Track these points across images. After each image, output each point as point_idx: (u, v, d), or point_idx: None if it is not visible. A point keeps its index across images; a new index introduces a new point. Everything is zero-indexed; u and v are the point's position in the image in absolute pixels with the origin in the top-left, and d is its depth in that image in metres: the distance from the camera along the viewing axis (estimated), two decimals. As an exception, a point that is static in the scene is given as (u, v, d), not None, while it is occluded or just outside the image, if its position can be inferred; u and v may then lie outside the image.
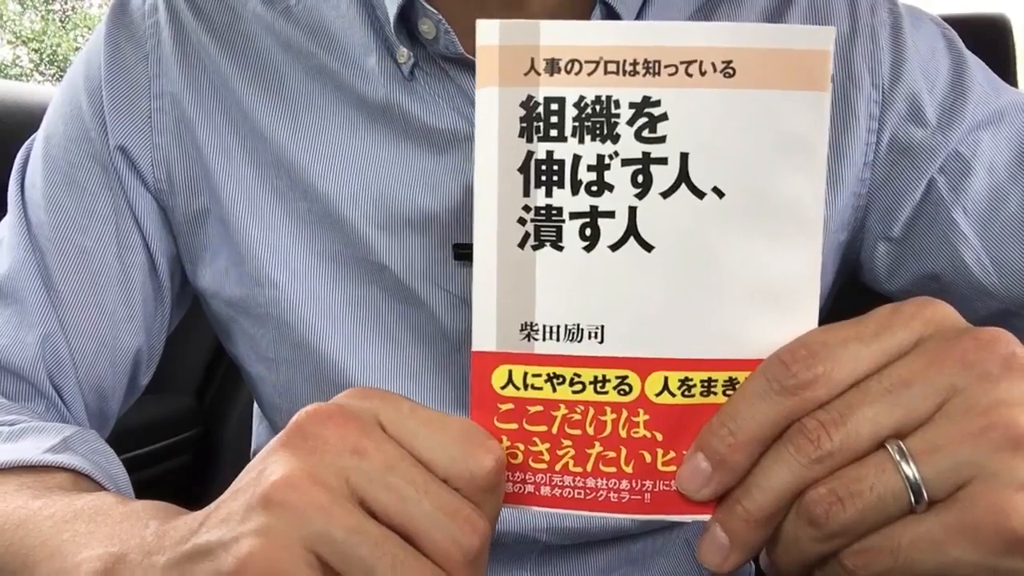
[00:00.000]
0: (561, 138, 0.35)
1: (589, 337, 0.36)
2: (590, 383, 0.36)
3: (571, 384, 0.36)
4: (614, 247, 0.35)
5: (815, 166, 0.35)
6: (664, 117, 0.35)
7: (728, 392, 0.35)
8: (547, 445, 0.37)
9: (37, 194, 0.60)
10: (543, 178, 0.35)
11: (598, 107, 0.35)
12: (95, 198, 0.59)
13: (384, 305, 0.59)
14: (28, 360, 0.57)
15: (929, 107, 0.59)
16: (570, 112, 0.35)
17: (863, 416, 0.33)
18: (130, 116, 0.59)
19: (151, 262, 0.61)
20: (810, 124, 0.34)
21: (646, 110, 0.35)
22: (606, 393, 0.36)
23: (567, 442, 0.37)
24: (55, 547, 0.40)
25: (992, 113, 0.60)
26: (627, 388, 0.36)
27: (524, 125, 0.35)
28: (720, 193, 0.35)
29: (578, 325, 0.36)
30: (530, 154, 0.35)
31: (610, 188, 0.35)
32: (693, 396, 0.36)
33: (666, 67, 0.34)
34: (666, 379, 0.36)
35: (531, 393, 0.36)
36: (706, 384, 0.36)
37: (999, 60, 1.01)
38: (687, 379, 0.36)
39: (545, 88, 0.35)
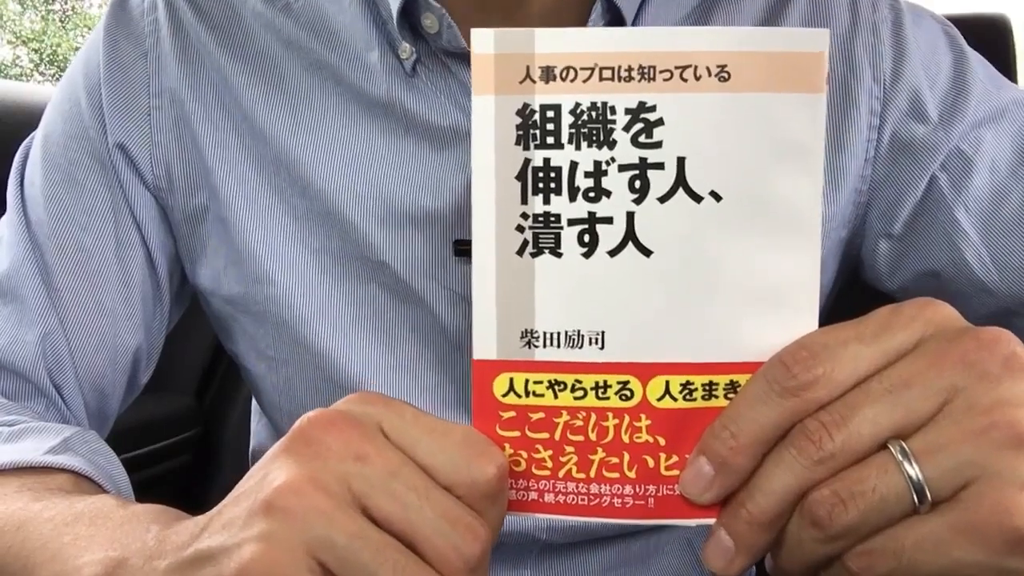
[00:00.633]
0: (558, 145, 0.35)
1: (590, 343, 0.36)
2: (592, 389, 0.36)
3: (573, 390, 0.36)
4: (613, 253, 0.35)
5: (812, 168, 0.35)
6: (660, 122, 0.35)
7: (730, 395, 0.35)
8: (550, 452, 0.37)
9: (36, 192, 0.60)
10: (540, 185, 0.35)
11: (594, 113, 0.35)
12: (94, 196, 0.59)
13: (383, 303, 0.59)
14: (28, 358, 0.57)
15: (931, 103, 0.59)
16: (566, 119, 0.35)
17: (864, 417, 0.33)
18: (129, 114, 0.59)
19: (150, 260, 0.61)
20: (806, 126, 0.34)
21: (642, 116, 0.35)
22: (608, 399, 0.36)
23: (570, 449, 0.37)
24: (56, 550, 0.40)
25: (994, 110, 0.60)
26: (629, 393, 0.36)
27: (520, 133, 0.35)
28: (717, 197, 0.35)
29: (578, 331, 0.36)
30: (527, 162, 0.35)
31: (607, 194, 0.35)
32: (695, 400, 0.36)
33: (661, 72, 0.34)
34: (667, 383, 0.36)
35: (533, 400, 0.36)
36: (707, 388, 0.36)
37: (999, 60, 1.00)
38: (688, 383, 0.36)
39: (541, 96, 0.35)
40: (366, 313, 0.59)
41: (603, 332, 0.36)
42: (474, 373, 0.37)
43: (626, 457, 0.36)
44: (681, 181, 0.35)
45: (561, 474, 0.37)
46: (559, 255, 0.35)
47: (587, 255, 0.35)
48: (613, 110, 0.35)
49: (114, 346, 0.60)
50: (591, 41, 0.35)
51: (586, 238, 0.35)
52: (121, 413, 0.65)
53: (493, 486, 0.35)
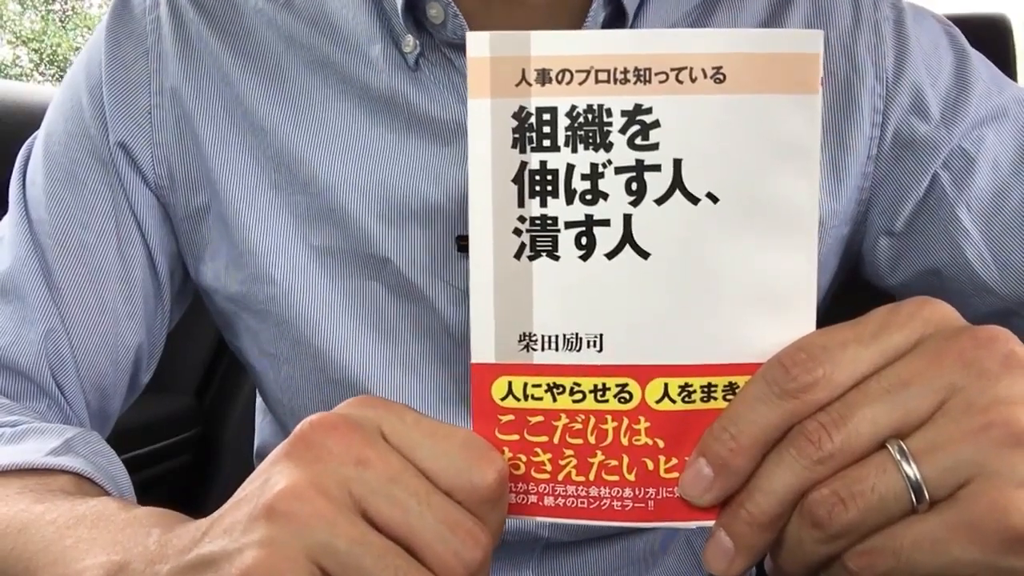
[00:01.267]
0: (554, 148, 0.35)
1: (588, 346, 0.36)
2: (590, 392, 0.36)
3: (571, 393, 0.36)
4: (610, 255, 0.35)
5: (809, 169, 0.35)
6: (656, 124, 0.35)
7: (728, 397, 0.35)
8: (549, 455, 0.37)
9: (38, 191, 0.60)
10: (537, 188, 0.35)
11: (590, 116, 0.35)
12: (96, 195, 0.60)
13: (385, 300, 0.59)
14: (31, 358, 0.57)
15: (933, 101, 0.59)
16: (562, 122, 0.35)
17: (863, 417, 0.32)
18: (130, 113, 0.60)
19: (151, 259, 0.61)
20: (802, 127, 0.34)
21: (638, 118, 0.35)
22: (607, 401, 0.36)
23: (569, 452, 0.37)
24: (57, 553, 0.40)
25: (996, 109, 0.60)
26: (627, 396, 0.36)
27: (517, 136, 0.35)
28: (714, 198, 0.35)
29: (576, 334, 0.36)
30: (524, 164, 0.35)
31: (604, 196, 0.35)
32: (693, 402, 0.36)
33: (657, 75, 0.34)
34: (666, 386, 0.36)
35: (532, 404, 0.36)
36: (706, 390, 0.36)
37: (999, 60, 1.00)
38: (687, 385, 0.36)
39: (537, 98, 0.35)
40: (368, 310, 0.59)
41: (601, 335, 0.36)
42: (473, 377, 0.37)
43: (625, 460, 0.36)
44: (678, 183, 0.35)
45: (560, 477, 0.37)
46: (556, 258, 0.36)
47: (584, 258, 0.35)
48: (609, 112, 0.35)
49: (116, 345, 0.60)
50: (587, 44, 0.35)
51: (583, 241, 0.35)
52: (121, 413, 0.65)
53: (494, 491, 0.35)
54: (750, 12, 0.60)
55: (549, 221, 0.35)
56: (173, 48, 0.60)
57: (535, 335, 0.36)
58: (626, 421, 0.36)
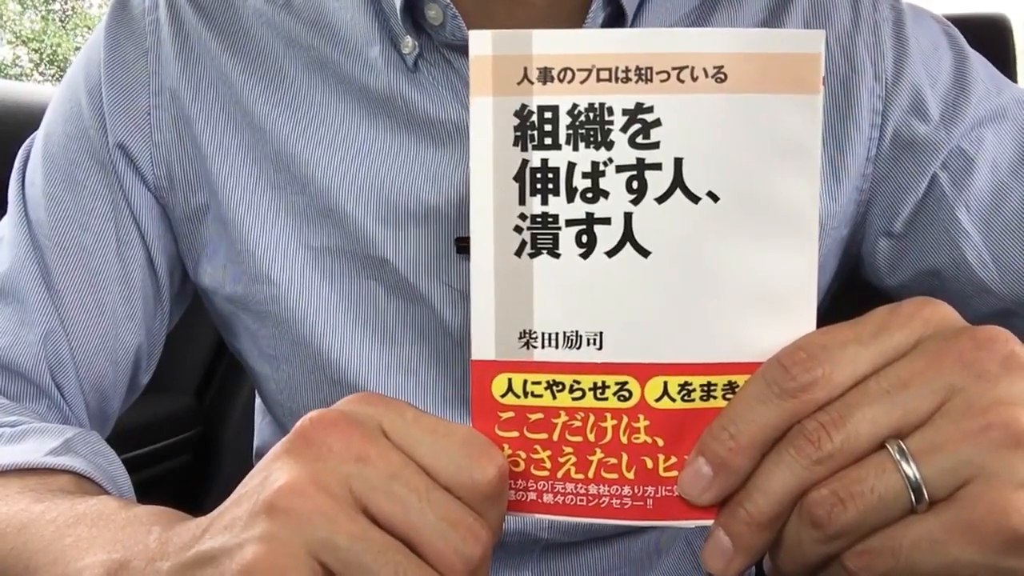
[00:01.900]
0: (555, 146, 0.35)
1: (588, 344, 0.36)
2: (590, 390, 0.36)
3: (571, 391, 0.36)
4: (611, 253, 0.35)
5: (809, 168, 0.35)
6: (657, 123, 0.35)
7: (728, 396, 0.35)
8: (548, 452, 0.37)
9: (37, 192, 0.60)
10: (538, 186, 0.35)
11: (591, 114, 0.35)
12: (94, 196, 0.60)
13: (384, 301, 0.59)
14: (30, 359, 0.57)
15: (932, 102, 0.60)
16: (564, 120, 0.35)
17: (863, 417, 0.33)
18: (129, 113, 0.60)
19: (150, 260, 0.61)
20: (803, 127, 0.35)
21: (639, 116, 0.35)
22: (606, 399, 0.36)
23: (568, 449, 0.37)
24: (57, 552, 0.40)
25: (995, 109, 0.60)
26: (627, 394, 0.36)
27: (518, 134, 0.35)
28: (715, 197, 0.35)
29: (576, 332, 0.36)
30: (525, 163, 0.35)
31: (605, 195, 0.35)
32: (693, 401, 0.36)
33: (658, 73, 0.34)
34: (665, 384, 0.36)
35: (531, 401, 0.36)
36: (706, 388, 0.36)
37: (999, 60, 1.01)
38: (687, 384, 0.36)
39: (539, 97, 0.35)
40: (367, 311, 0.59)
41: (601, 333, 0.36)
42: (473, 374, 0.37)
43: (624, 458, 0.36)
44: (679, 182, 0.35)
45: (560, 475, 0.37)
46: (557, 256, 0.36)
47: (585, 256, 0.35)
48: (611, 111, 0.35)
49: (115, 346, 0.60)
50: (588, 42, 0.35)
51: (584, 239, 0.35)
52: (121, 413, 0.65)
53: (494, 487, 0.35)
54: (749, 12, 0.60)
55: (550, 219, 0.35)
56: (172, 49, 0.60)
57: (535, 332, 0.36)
58: (625, 419, 0.36)
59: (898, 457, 0.32)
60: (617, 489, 0.37)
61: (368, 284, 0.58)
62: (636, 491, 0.36)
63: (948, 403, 0.32)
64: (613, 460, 0.36)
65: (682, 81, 0.34)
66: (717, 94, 0.34)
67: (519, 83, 0.35)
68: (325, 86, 0.59)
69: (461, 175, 0.57)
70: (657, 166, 0.35)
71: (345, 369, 0.59)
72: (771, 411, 0.34)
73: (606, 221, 0.35)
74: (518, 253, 0.36)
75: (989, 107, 0.60)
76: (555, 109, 0.35)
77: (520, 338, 0.36)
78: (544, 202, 0.35)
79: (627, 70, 0.34)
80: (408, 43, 0.57)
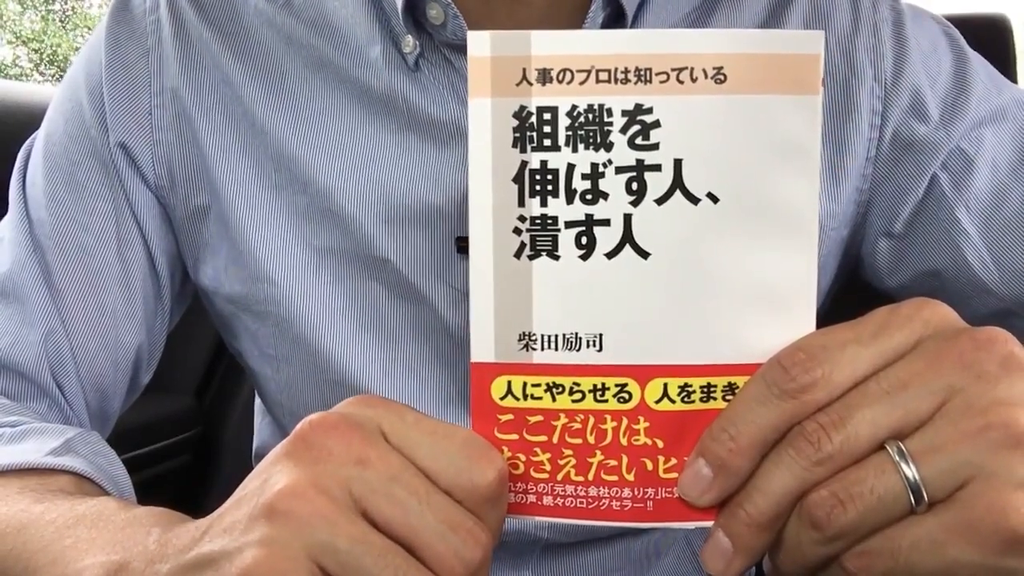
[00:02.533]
0: (555, 147, 0.35)
1: (587, 346, 0.36)
2: (589, 392, 0.36)
3: (571, 393, 0.36)
4: (610, 255, 0.35)
5: (809, 169, 0.35)
6: (657, 124, 0.35)
7: (728, 397, 0.35)
8: (548, 455, 0.37)
9: (38, 192, 0.60)
10: (538, 188, 0.35)
11: (591, 116, 0.35)
12: (96, 196, 0.60)
13: (385, 301, 0.59)
14: (31, 358, 0.57)
15: (931, 102, 0.59)
16: (563, 121, 0.35)
17: (862, 418, 0.33)
18: (131, 113, 0.60)
19: (151, 260, 0.61)
20: (802, 128, 0.34)
21: (639, 118, 0.35)
22: (606, 401, 0.36)
23: (568, 451, 0.37)
24: (56, 553, 0.40)
25: (995, 110, 0.60)
26: (627, 396, 0.36)
27: (517, 135, 0.35)
28: (715, 199, 0.35)
29: (576, 334, 0.36)
30: (524, 164, 0.35)
31: (605, 196, 0.35)
32: (693, 402, 0.36)
33: (657, 75, 0.34)
34: (665, 386, 0.36)
35: (531, 403, 0.36)
36: (705, 390, 0.36)
37: (999, 60, 1.01)
38: (686, 385, 0.36)
39: (538, 98, 0.35)
40: (368, 311, 0.59)
41: (601, 334, 0.36)
42: (472, 376, 0.37)
43: (624, 460, 0.36)
44: (678, 183, 0.35)
45: (560, 477, 0.37)
46: (556, 257, 0.36)
47: (584, 257, 0.35)
48: (610, 112, 0.35)
49: (116, 346, 0.60)
50: (587, 43, 0.35)
51: (583, 240, 0.35)
52: (121, 413, 0.65)
53: (494, 490, 0.35)
54: (749, 13, 0.60)
55: (549, 221, 0.35)
56: (173, 49, 0.60)
57: (535, 334, 0.36)
58: (625, 421, 0.36)
59: (898, 458, 0.32)
60: (617, 491, 0.37)
61: (369, 284, 0.58)
62: (636, 493, 0.36)
63: (948, 404, 0.32)
64: (613, 462, 0.36)
65: (681, 82, 0.34)
66: (717, 95, 0.34)
67: (518, 84, 0.35)
68: (326, 86, 0.59)
69: (462, 175, 0.57)
70: (657, 167, 0.35)
71: (346, 369, 0.59)
72: (771, 412, 0.34)
73: (605, 223, 0.35)
74: (517, 255, 0.36)
75: (989, 108, 0.60)
76: (554, 110, 0.35)
77: (519, 340, 0.36)
78: (543, 204, 0.35)
79: (626, 71, 0.34)
80: (409, 43, 0.57)
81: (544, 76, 0.35)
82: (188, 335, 0.92)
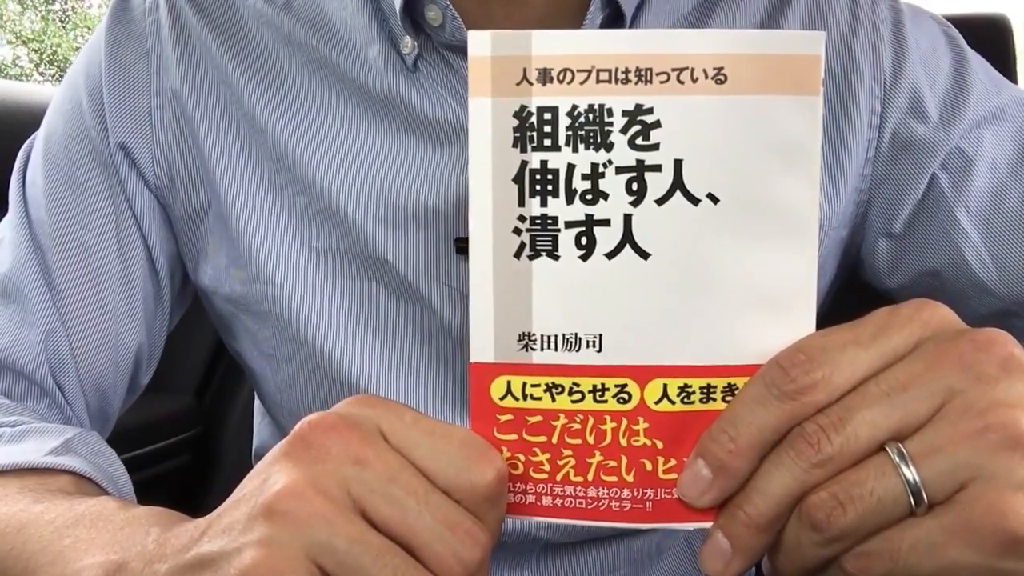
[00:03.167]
0: (555, 147, 0.35)
1: (587, 346, 0.36)
2: (589, 392, 0.36)
3: (570, 393, 0.36)
4: (610, 255, 0.35)
5: (809, 170, 0.35)
6: (657, 124, 0.35)
7: (727, 398, 0.35)
8: (547, 455, 0.37)
9: (38, 192, 0.60)
10: (538, 188, 0.35)
11: (591, 116, 0.35)
12: (95, 196, 0.60)
13: (384, 301, 0.59)
14: (31, 358, 0.57)
15: (931, 102, 0.59)
16: (563, 121, 0.35)
17: (862, 419, 0.32)
18: (130, 114, 0.60)
19: (151, 260, 0.61)
20: (803, 128, 0.34)
21: (639, 118, 0.35)
22: (605, 402, 0.36)
23: (567, 452, 0.37)
24: (56, 553, 0.40)
25: (994, 110, 0.60)
26: (626, 396, 0.36)
27: (518, 135, 0.35)
28: (715, 199, 0.35)
29: (576, 334, 0.36)
30: (524, 164, 0.35)
31: (605, 196, 0.35)
32: (692, 403, 0.36)
33: (658, 75, 0.34)
34: (665, 386, 0.36)
35: (530, 403, 0.36)
36: (705, 391, 0.36)
37: (999, 60, 1.01)
38: (686, 386, 0.36)
39: (538, 98, 0.35)
40: (367, 311, 0.59)
41: (600, 335, 0.36)
42: (471, 376, 0.37)
43: (624, 460, 0.36)
44: (678, 183, 0.35)
45: (559, 477, 0.37)
46: (556, 258, 0.35)
47: (584, 258, 0.35)
48: (610, 112, 0.35)
49: (116, 346, 0.60)
50: (588, 43, 0.35)
51: (583, 240, 0.35)
52: (121, 413, 0.65)
53: (492, 490, 0.35)
54: (748, 13, 0.60)
55: (549, 221, 0.35)
56: (173, 50, 0.60)
57: (534, 335, 0.36)
58: (625, 422, 0.36)
59: (897, 460, 0.32)
60: (616, 491, 0.36)
61: (368, 284, 0.58)
62: (635, 493, 0.36)
63: (947, 405, 0.32)
64: (612, 462, 0.36)
65: (682, 82, 0.34)
66: (717, 95, 0.34)
67: (518, 84, 0.35)
68: (325, 86, 0.59)
69: (461, 176, 0.57)
70: (657, 167, 0.35)
71: (345, 369, 0.59)
72: (770, 413, 0.34)
73: (606, 223, 0.35)
74: (517, 255, 0.36)
75: (988, 107, 0.60)
76: (554, 110, 0.35)
77: (519, 340, 0.36)
78: (543, 204, 0.35)
79: (627, 71, 0.34)
80: (407, 43, 0.57)
81: (544, 76, 0.35)
82: (188, 335, 0.92)
